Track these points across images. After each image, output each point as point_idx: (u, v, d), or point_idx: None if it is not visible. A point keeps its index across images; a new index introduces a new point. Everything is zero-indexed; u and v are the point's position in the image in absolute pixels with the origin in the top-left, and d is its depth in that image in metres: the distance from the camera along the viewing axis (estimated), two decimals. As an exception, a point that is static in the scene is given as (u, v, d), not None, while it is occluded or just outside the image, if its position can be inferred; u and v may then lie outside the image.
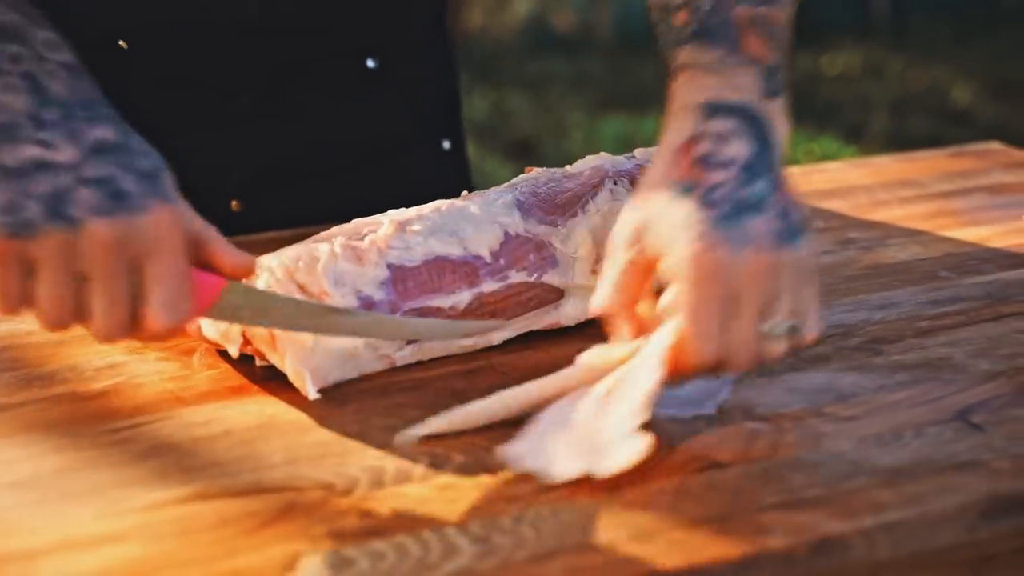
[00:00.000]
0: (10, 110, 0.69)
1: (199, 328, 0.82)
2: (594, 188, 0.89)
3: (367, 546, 0.62)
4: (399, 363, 0.82)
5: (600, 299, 0.75)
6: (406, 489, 0.68)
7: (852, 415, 0.75)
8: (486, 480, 0.68)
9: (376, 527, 0.64)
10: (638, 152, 0.96)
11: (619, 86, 5.06)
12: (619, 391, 0.71)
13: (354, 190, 1.11)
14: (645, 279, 0.74)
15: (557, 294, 0.87)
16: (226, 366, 0.82)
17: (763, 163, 0.73)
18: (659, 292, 0.74)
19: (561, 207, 0.88)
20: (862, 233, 1.10)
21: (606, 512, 0.65)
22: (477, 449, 0.71)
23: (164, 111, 1.07)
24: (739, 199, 0.71)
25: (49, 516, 0.65)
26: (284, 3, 1.05)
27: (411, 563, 0.61)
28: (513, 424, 0.73)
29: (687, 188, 0.72)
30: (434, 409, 0.75)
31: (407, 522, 0.64)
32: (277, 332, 0.77)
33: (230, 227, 1.09)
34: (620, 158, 0.94)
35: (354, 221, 0.86)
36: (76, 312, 0.69)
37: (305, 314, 0.76)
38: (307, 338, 0.77)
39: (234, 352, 0.80)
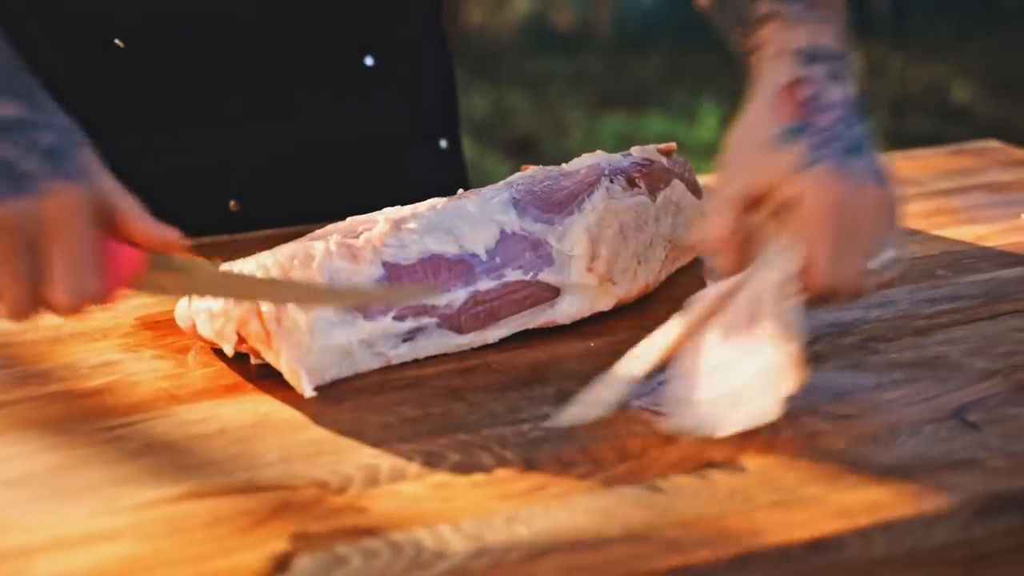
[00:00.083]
0: None
1: (193, 327, 0.82)
2: (590, 186, 0.89)
3: (361, 544, 0.62)
4: (395, 361, 0.82)
5: (709, 230, 0.78)
6: (400, 487, 0.67)
7: (848, 413, 0.74)
8: (480, 479, 0.68)
9: (370, 525, 0.64)
10: (634, 150, 0.96)
11: (619, 84, 5.06)
12: (747, 328, 0.73)
13: (351, 188, 1.11)
14: (750, 213, 0.77)
15: (553, 292, 0.87)
16: (221, 364, 0.82)
17: (858, 108, 0.77)
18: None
19: (557, 205, 0.88)
20: (859, 231, 1.09)
21: (600, 510, 0.65)
22: (471, 448, 0.71)
23: (162, 110, 1.07)
24: (849, 139, 0.76)
25: (43, 514, 0.65)
26: (282, 1, 1.05)
27: (405, 562, 0.61)
28: (511, 423, 0.73)
29: (797, 129, 0.75)
30: (430, 407, 0.75)
31: (401, 520, 0.64)
32: (272, 331, 0.76)
33: (228, 225, 1.10)
34: (616, 156, 0.94)
35: (349, 219, 0.86)
36: None
37: (233, 284, 0.76)
38: (303, 336, 0.77)
39: (229, 350, 0.80)
